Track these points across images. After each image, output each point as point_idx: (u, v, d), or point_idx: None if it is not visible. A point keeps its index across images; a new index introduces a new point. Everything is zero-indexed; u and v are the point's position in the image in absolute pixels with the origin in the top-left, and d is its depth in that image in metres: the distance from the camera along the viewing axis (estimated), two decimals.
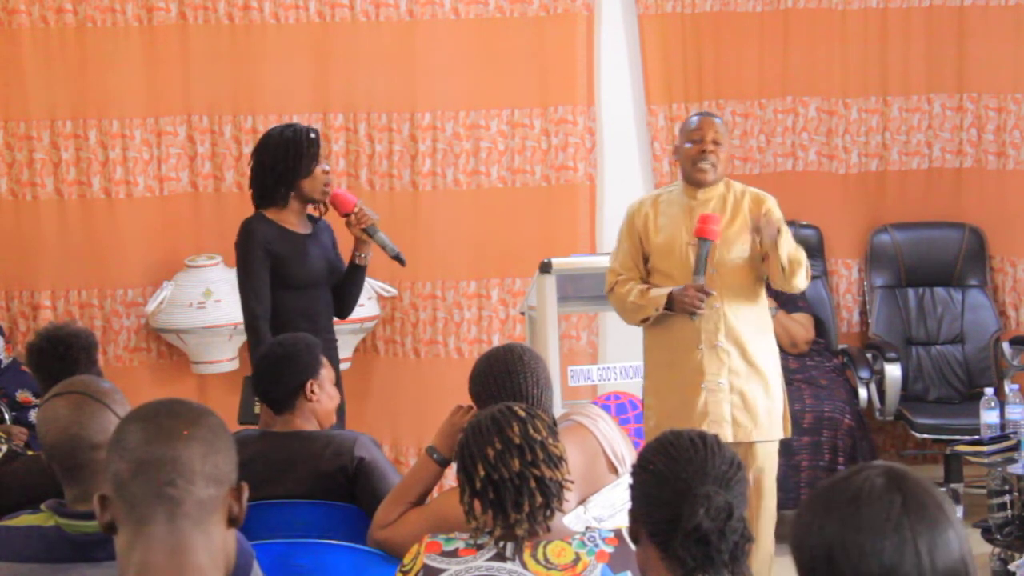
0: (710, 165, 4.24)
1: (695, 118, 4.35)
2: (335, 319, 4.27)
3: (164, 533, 1.72)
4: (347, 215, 4.09)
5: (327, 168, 4.09)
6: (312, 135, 4.07)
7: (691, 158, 4.27)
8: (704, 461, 2.03)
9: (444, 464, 3.01)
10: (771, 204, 4.27)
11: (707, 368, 4.18)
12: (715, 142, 4.24)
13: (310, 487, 3.25)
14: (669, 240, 4.25)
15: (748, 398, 4.20)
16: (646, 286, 4.24)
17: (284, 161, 4.04)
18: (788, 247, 4.13)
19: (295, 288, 4.05)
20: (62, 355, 3.70)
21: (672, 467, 2.03)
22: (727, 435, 4.16)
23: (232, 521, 1.78)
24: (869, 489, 1.52)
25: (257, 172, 4.10)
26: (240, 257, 4.08)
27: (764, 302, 4.32)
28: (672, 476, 2.02)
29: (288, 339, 3.49)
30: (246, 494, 1.79)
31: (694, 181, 4.28)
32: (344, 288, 4.17)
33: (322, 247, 4.14)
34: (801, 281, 4.19)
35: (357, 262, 4.13)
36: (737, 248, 4.22)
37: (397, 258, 4.06)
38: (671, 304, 4.14)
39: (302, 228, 4.12)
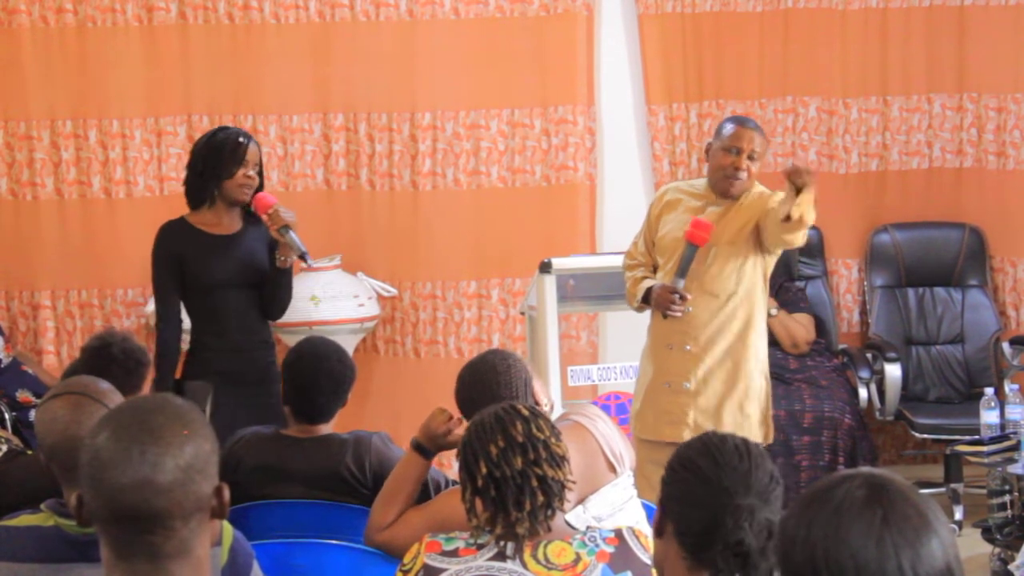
0: (740, 181, 4.07)
1: (733, 125, 4.08)
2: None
3: (147, 570, 1.70)
4: (264, 216, 4.14)
5: (251, 173, 4.11)
6: (241, 139, 4.12)
7: (722, 169, 4.06)
8: (748, 472, 2.00)
9: (429, 456, 3.02)
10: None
11: (672, 368, 4.15)
12: (750, 157, 4.04)
13: (331, 488, 3.26)
14: (669, 237, 4.18)
15: (713, 405, 4.12)
16: (642, 275, 4.23)
17: (207, 163, 4.12)
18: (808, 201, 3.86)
19: (202, 289, 4.11)
20: (131, 369, 3.61)
21: (716, 472, 1.99)
22: (685, 437, 4.13)
23: (214, 514, 1.75)
24: (850, 503, 1.53)
25: (187, 172, 4.21)
26: (151, 261, 4.19)
27: (751, 313, 4.14)
28: (715, 481, 1.99)
29: (340, 352, 3.46)
30: (227, 493, 1.75)
31: (719, 190, 4.13)
32: (267, 290, 4.18)
33: (247, 248, 4.16)
34: (800, 238, 3.96)
35: (277, 264, 4.15)
36: (727, 254, 4.09)
37: (302, 257, 4.10)
38: (649, 299, 4.13)
39: (224, 229, 4.16)
